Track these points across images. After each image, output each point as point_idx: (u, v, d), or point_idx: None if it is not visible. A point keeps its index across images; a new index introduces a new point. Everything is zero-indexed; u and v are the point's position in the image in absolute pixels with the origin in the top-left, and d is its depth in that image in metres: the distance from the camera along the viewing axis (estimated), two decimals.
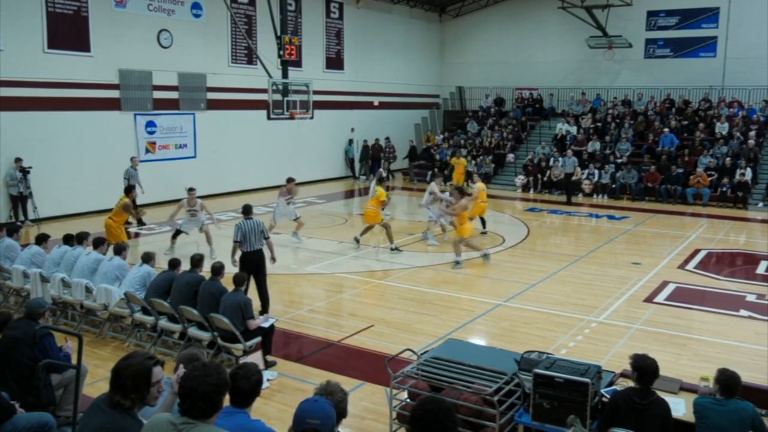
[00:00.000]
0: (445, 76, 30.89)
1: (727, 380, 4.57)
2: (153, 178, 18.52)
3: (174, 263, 8.30)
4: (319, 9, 24.17)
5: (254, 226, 9.03)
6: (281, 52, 16.62)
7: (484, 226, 15.11)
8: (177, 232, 13.16)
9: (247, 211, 9.36)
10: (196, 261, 8.04)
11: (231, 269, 8.04)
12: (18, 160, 15.35)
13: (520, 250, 14.00)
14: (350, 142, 25.91)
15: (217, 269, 7.67)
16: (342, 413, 3.49)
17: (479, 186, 14.66)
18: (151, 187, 18.35)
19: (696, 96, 24.85)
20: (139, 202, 16.08)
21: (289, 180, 14.58)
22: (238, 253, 9.15)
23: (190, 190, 13.20)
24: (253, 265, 8.92)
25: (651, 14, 25.86)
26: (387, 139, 26.43)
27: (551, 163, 22.68)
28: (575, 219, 18.33)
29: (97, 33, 16.96)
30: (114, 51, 17.41)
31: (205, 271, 8.10)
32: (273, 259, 9.38)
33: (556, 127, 25.41)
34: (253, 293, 8.30)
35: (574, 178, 21.29)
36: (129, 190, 13.24)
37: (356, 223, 17.76)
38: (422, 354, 6.01)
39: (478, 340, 8.44)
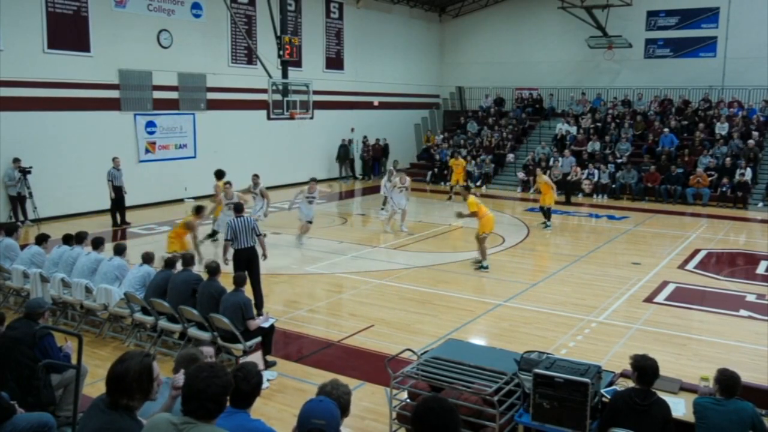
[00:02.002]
0: (445, 76, 30.89)
1: (727, 380, 4.57)
2: (153, 179, 18.58)
3: (170, 262, 8.31)
4: (319, 9, 24.17)
5: (245, 224, 9.11)
6: (281, 52, 16.64)
7: (548, 218, 16.14)
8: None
9: (238, 208, 9.50)
10: (188, 260, 8.06)
11: (231, 269, 8.05)
12: (16, 160, 15.33)
13: (520, 250, 13.99)
14: (350, 142, 25.90)
15: (213, 269, 7.65)
16: (345, 408, 3.49)
17: (544, 179, 16.17)
18: (151, 187, 18.42)
19: (696, 96, 24.85)
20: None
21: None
22: (231, 252, 9.22)
23: (255, 176, 14.32)
24: (245, 261, 9.02)
25: (651, 14, 25.87)
26: (365, 137, 26.16)
27: (551, 163, 22.67)
28: (575, 219, 18.32)
29: (97, 33, 16.96)
30: (114, 51, 17.40)
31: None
32: (264, 255, 9.49)
33: (556, 127, 25.41)
34: (248, 291, 8.33)
35: (573, 178, 21.30)
36: (199, 210, 11.21)
37: (356, 223, 17.77)
38: (422, 354, 6.01)
39: (478, 340, 8.44)
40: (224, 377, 3.11)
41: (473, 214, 12.02)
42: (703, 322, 9.38)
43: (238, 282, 7.45)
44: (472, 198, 12.13)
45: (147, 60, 18.27)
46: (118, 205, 15.95)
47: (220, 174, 14.18)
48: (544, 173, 17.54)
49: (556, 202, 16.48)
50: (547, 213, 16.14)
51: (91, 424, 3.35)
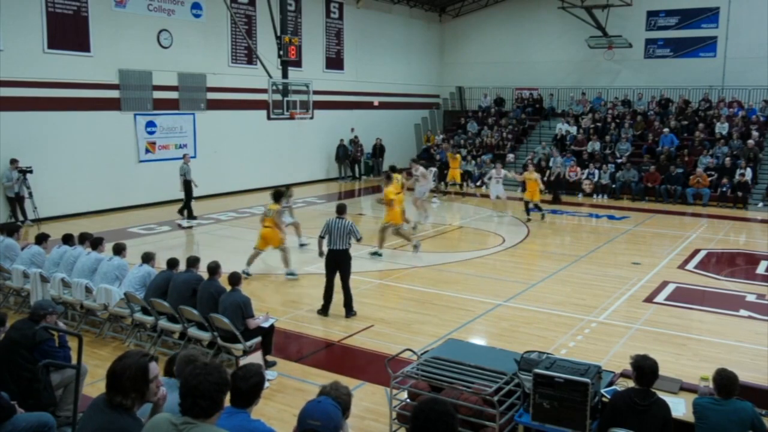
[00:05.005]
0: (445, 76, 30.88)
1: (722, 380, 4.58)
2: (153, 178, 18.56)
3: (172, 263, 8.30)
4: (319, 9, 24.17)
5: (342, 226, 9.24)
6: (281, 52, 16.62)
7: (537, 210, 17.20)
8: None
9: (339, 210, 9.58)
10: (192, 261, 8.05)
11: (227, 269, 7.99)
12: (14, 161, 15.32)
13: (520, 250, 13.99)
14: (350, 142, 25.88)
15: (213, 269, 7.64)
16: (345, 408, 3.49)
17: (534, 176, 17.28)
18: (150, 187, 18.42)
19: (696, 96, 24.86)
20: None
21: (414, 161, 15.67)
22: (325, 248, 9.46)
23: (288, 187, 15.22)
24: (334, 262, 9.25)
25: (651, 14, 25.88)
26: (355, 136, 25.98)
27: (551, 163, 22.70)
28: (575, 219, 18.32)
29: (97, 33, 16.95)
30: (114, 51, 17.40)
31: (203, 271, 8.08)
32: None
33: (556, 127, 25.41)
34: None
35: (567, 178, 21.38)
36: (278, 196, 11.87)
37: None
38: (422, 354, 6.01)
39: (478, 340, 8.44)
40: (216, 374, 3.09)
41: (389, 203, 12.88)
42: (703, 322, 9.38)
43: (233, 281, 7.43)
44: (390, 187, 12.99)
45: (147, 60, 18.27)
46: (188, 199, 16.47)
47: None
48: (540, 171, 18.43)
49: (558, 203, 16.70)
50: (528, 208, 17.04)
51: (91, 424, 3.35)
